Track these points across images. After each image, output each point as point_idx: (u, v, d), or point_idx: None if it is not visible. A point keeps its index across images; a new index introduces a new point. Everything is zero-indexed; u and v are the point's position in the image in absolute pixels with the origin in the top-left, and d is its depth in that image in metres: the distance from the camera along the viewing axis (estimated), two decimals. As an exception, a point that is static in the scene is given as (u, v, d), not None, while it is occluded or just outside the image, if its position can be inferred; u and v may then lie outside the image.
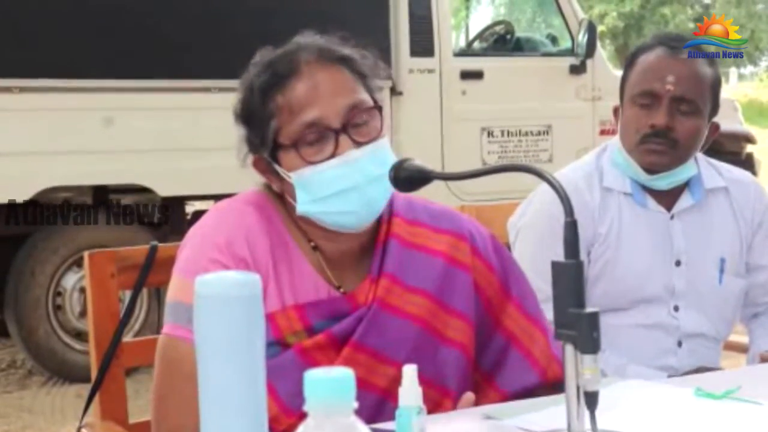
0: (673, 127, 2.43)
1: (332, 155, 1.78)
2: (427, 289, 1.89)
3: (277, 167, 1.83)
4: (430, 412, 1.52)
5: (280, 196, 1.89)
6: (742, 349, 2.74)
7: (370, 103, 1.84)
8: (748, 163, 7.93)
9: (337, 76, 1.82)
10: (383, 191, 1.81)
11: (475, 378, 1.94)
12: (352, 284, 1.88)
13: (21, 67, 5.60)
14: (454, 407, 1.85)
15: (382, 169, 1.74)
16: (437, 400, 1.83)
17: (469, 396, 1.84)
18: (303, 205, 1.81)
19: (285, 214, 1.89)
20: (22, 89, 5.61)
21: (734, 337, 2.74)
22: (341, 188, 1.78)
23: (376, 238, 1.90)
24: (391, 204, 1.92)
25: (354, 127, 1.79)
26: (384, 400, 1.76)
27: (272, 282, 1.81)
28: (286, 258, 1.84)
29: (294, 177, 1.80)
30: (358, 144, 1.78)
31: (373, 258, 1.89)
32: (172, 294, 1.79)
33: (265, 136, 1.82)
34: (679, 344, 2.52)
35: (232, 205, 1.88)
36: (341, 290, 1.87)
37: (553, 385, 1.88)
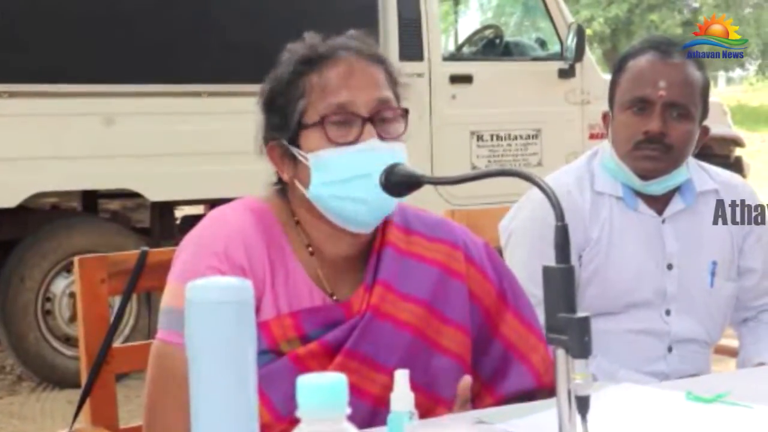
0: (666, 133, 2.43)
1: (355, 140, 1.79)
2: (421, 297, 1.88)
3: (294, 150, 1.83)
4: (421, 419, 1.52)
5: (281, 198, 1.89)
6: (732, 353, 2.74)
7: (397, 105, 1.86)
8: (736, 167, 7.94)
9: (373, 70, 1.85)
10: None
11: (474, 386, 1.93)
12: (347, 293, 1.88)
13: (10, 72, 5.58)
14: (445, 414, 1.84)
15: None
16: (429, 407, 1.82)
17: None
18: (316, 187, 1.81)
19: (285, 219, 1.88)
20: (11, 94, 5.59)
21: (724, 341, 2.74)
22: (358, 173, 1.78)
23: (371, 247, 1.90)
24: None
25: (380, 121, 1.81)
26: (377, 407, 1.76)
27: (268, 290, 1.81)
28: (283, 266, 1.84)
29: (312, 158, 1.81)
30: (381, 138, 1.80)
31: (368, 266, 1.89)
32: (166, 300, 1.79)
33: (290, 114, 1.83)
34: (670, 350, 2.52)
35: (229, 212, 1.87)
36: (335, 299, 1.86)
37: (550, 391, 1.88)
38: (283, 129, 1.84)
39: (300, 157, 1.82)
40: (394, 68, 1.90)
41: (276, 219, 1.87)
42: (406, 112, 1.87)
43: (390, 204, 1.84)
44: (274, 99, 1.87)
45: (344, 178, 1.79)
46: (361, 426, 1.15)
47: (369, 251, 1.90)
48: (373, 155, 1.78)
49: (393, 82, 1.88)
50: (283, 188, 1.91)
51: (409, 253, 1.91)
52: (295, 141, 1.83)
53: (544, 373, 1.96)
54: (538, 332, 1.99)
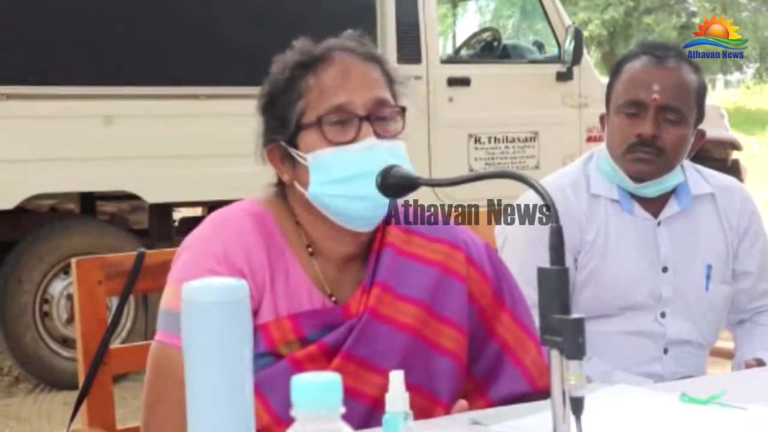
0: (659, 136, 2.44)
1: (353, 140, 1.80)
2: (419, 298, 1.88)
3: (293, 151, 1.84)
4: (420, 419, 1.52)
5: (280, 199, 1.90)
6: (727, 355, 2.75)
7: (394, 104, 1.87)
8: (734, 170, 7.94)
9: (369, 70, 1.86)
10: None
11: (467, 386, 1.94)
12: (346, 294, 1.88)
13: (8, 74, 5.58)
14: (444, 415, 1.85)
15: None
16: (427, 408, 1.83)
17: (462, 404, 1.84)
18: (315, 186, 1.82)
19: (284, 221, 1.89)
20: (9, 96, 5.60)
21: (720, 344, 2.75)
22: (357, 172, 1.79)
23: (371, 247, 1.91)
24: (387, 213, 1.92)
25: (377, 120, 1.82)
26: (374, 409, 1.75)
27: (268, 293, 1.81)
28: (282, 268, 1.84)
29: (310, 158, 1.81)
30: (379, 136, 1.81)
31: (367, 267, 1.90)
32: (165, 301, 1.79)
33: (289, 116, 1.84)
34: (665, 351, 2.52)
35: (229, 215, 1.88)
36: (335, 300, 1.87)
37: (543, 395, 1.89)
38: (282, 130, 1.85)
39: (298, 158, 1.83)
40: (390, 67, 1.92)
41: (275, 221, 1.88)
42: (403, 110, 1.88)
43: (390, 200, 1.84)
44: (272, 102, 1.87)
45: (343, 177, 1.80)
46: (357, 427, 1.16)
47: (368, 251, 1.91)
48: (371, 153, 1.79)
49: (390, 81, 1.89)
50: (281, 189, 1.92)
51: (408, 253, 1.92)
52: (293, 142, 1.84)
53: (538, 378, 1.97)
54: (534, 335, 1.99)
